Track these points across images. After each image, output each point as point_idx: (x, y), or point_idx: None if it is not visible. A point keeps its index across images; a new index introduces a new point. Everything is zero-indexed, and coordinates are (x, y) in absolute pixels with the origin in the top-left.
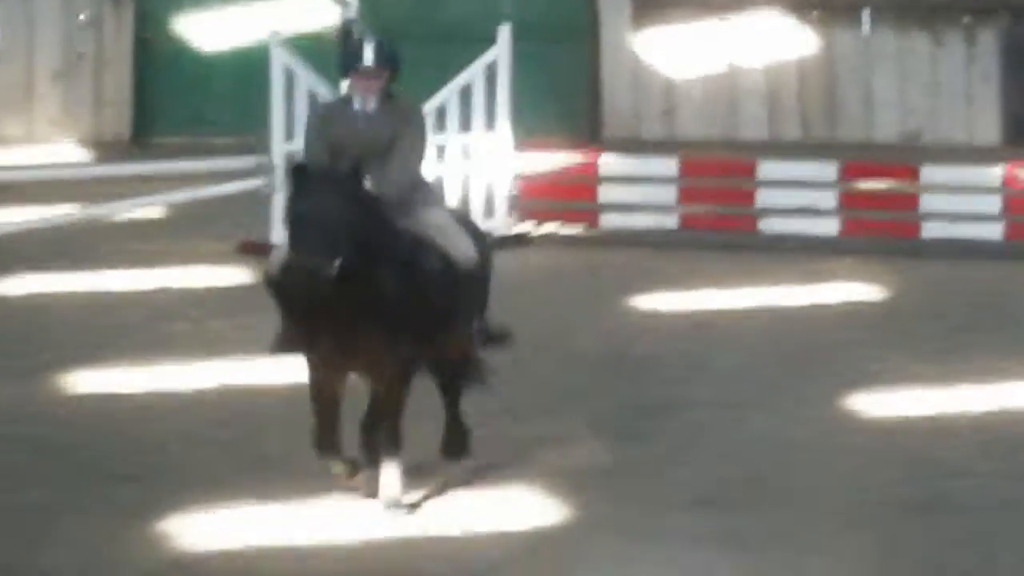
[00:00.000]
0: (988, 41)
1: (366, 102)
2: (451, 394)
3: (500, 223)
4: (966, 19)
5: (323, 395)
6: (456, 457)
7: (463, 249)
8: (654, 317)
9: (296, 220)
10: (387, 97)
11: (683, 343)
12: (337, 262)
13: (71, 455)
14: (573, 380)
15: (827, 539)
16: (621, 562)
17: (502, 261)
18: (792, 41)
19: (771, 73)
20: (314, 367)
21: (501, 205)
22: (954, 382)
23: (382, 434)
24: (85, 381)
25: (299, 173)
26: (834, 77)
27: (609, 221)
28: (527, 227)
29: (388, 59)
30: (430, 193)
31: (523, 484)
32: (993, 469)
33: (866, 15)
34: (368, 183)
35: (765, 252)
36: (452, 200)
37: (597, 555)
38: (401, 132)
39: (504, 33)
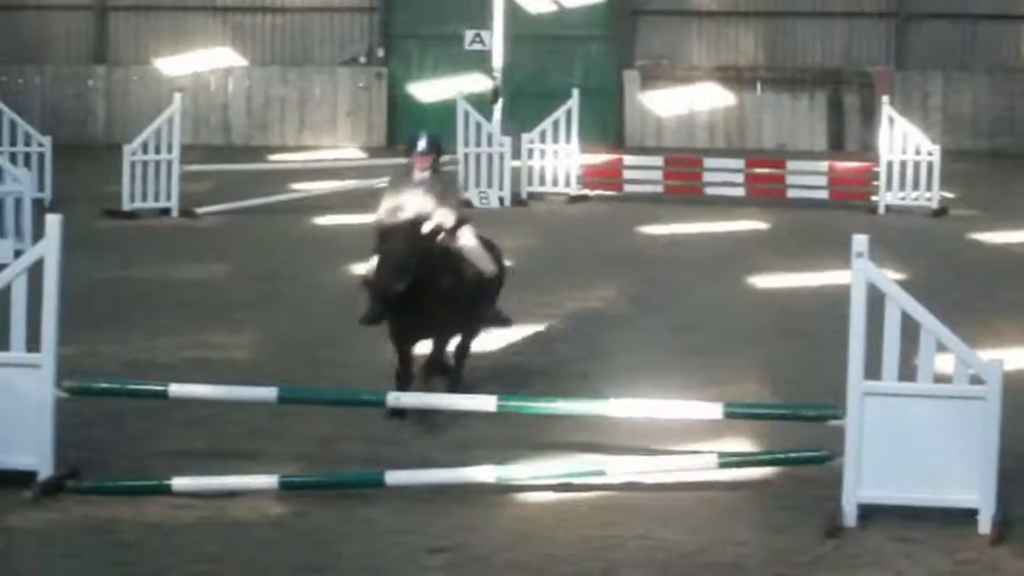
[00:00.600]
0: (821, 98)
1: (421, 174)
2: (462, 348)
3: (573, 188)
4: (810, 87)
5: (400, 351)
6: (438, 375)
7: (486, 264)
8: (651, 237)
9: (380, 257)
10: (435, 171)
11: (666, 250)
12: (403, 284)
13: (353, 308)
14: (608, 268)
15: (739, 348)
16: (635, 358)
17: (576, 209)
18: (722, 97)
19: (711, 113)
20: (393, 334)
21: (573, 179)
22: (804, 271)
23: (432, 369)
24: (360, 268)
25: (381, 227)
26: (743, 115)
27: (629, 188)
28: (587, 191)
29: (435, 146)
30: (466, 226)
31: (573, 319)
32: (826, 314)
33: (759, 84)
34: (425, 227)
35: (708, 205)
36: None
37: (623, 354)
38: (444, 193)
39: (575, 93)
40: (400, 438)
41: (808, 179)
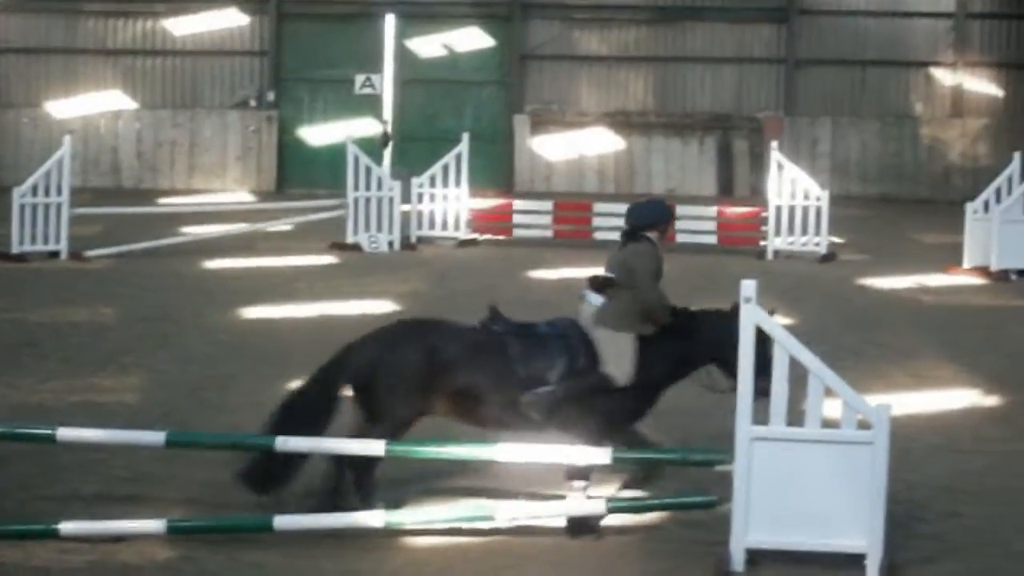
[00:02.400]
0: (711, 143)
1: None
2: None
3: (463, 232)
4: (700, 132)
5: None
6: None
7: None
8: (540, 281)
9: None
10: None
11: (555, 295)
12: None
13: (242, 350)
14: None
15: None
16: None
17: (465, 253)
18: (611, 142)
19: (601, 157)
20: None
21: (463, 223)
22: None
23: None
24: (251, 312)
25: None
26: (633, 159)
27: (518, 233)
28: (476, 236)
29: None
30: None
31: None
32: None
33: (648, 130)
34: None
35: (597, 249)
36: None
37: None
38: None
39: (465, 137)
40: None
41: (697, 224)
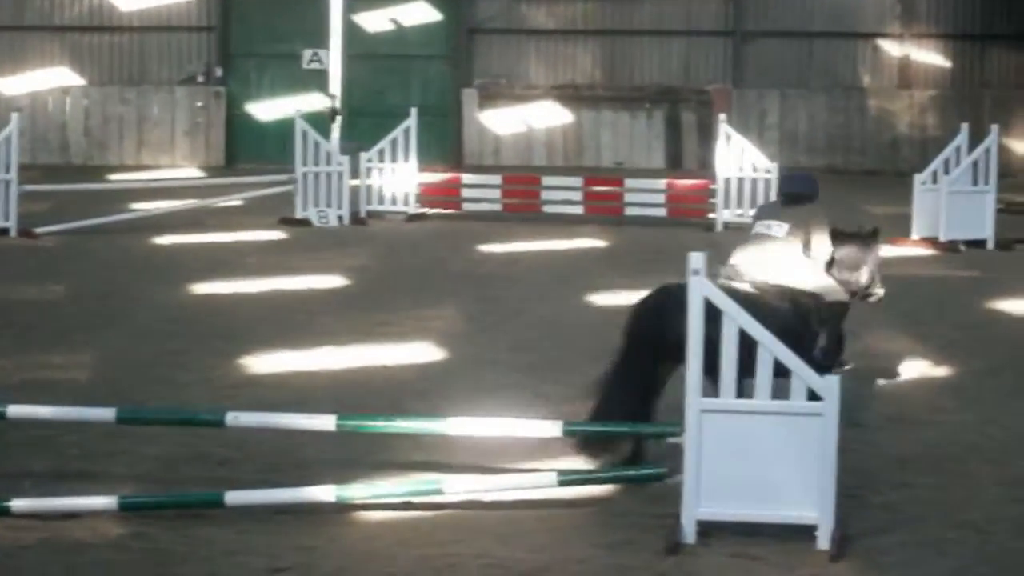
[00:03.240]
0: (659, 116)
1: None
2: None
3: (412, 207)
4: (648, 105)
5: None
6: None
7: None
8: (490, 255)
9: None
10: None
11: (504, 268)
12: None
13: (193, 326)
14: (446, 286)
15: (578, 366)
16: (473, 377)
17: (414, 227)
18: (560, 115)
19: (549, 131)
20: None
21: (412, 198)
22: (641, 288)
23: None
24: (201, 288)
25: None
26: (581, 133)
27: (467, 207)
28: (425, 210)
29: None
30: None
31: (412, 338)
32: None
33: (597, 103)
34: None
35: (546, 223)
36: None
37: (461, 373)
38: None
39: (414, 112)
40: (240, 457)
41: (646, 197)
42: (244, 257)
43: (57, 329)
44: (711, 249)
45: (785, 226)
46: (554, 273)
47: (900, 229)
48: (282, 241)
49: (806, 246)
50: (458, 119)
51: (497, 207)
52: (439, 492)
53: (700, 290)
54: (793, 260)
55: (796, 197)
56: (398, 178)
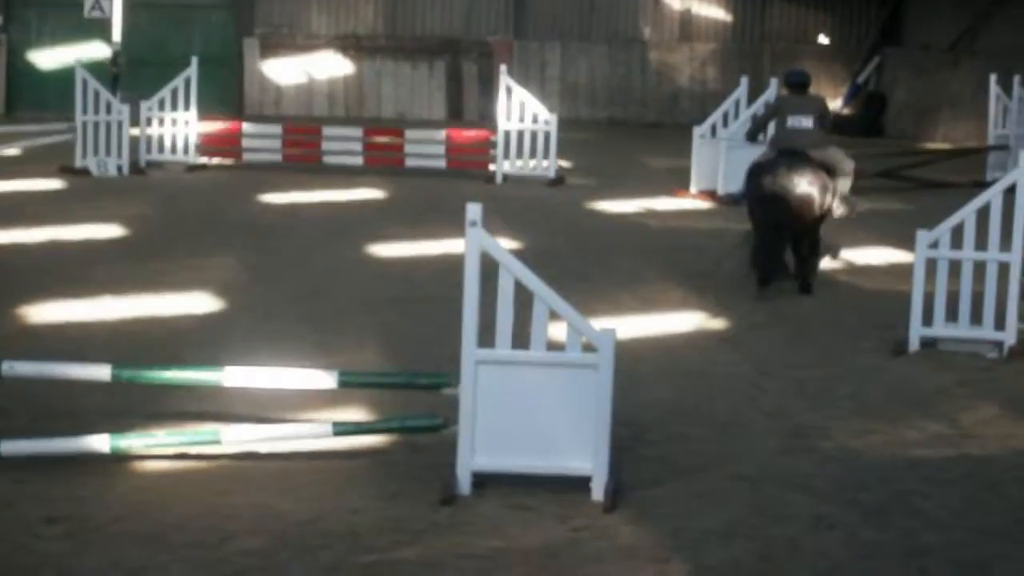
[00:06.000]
0: (440, 67)
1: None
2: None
3: (192, 157)
4: (429, 56)
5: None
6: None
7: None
8: (270, 205)
9: None
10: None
11: (284, 219)
12: None
13: None
14: (226, 236)
15: (356, 317)
16: (252, 328)
17: (194, 177)
18: (341, 66)
19: (331, 82)
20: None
21: (192, 147)
22: (421, 239)
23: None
24: None
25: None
26: (362, 84)
27: (247, 157)
28: (206, 160)
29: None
30: None
31: (190, 288)
32: (443, 282)
33: (378, 54)
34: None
35: (327, 174)
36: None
37: (240, 323)
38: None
39: (194, 62)
40: (15, 408)
41: (426, 148)
42: (22, 206)
43: None
44: (490, 200)
45: (811, 117)
46: (334, 224)
47: (679, 182)
48: (61, 190)
49: (820, 117)
50: (239, 68)
51: (278, 157)
52: (215, 442)
53: (478, 242)
54: (820, 139)
55: (803, 85)
56: (178, 128)
